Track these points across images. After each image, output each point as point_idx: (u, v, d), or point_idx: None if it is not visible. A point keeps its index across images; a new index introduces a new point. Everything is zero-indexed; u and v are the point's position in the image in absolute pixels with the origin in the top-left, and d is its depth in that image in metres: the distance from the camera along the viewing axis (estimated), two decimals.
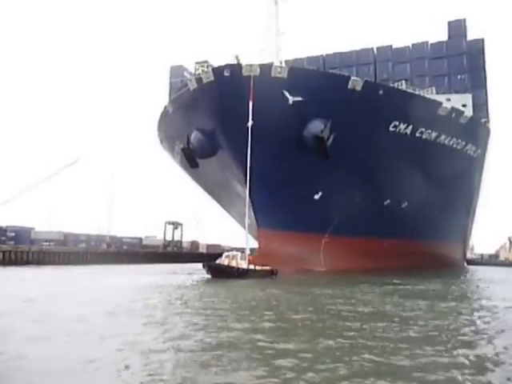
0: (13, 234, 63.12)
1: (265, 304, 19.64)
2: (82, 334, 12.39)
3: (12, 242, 59.12)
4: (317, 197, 44.08)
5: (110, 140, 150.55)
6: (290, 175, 41.19)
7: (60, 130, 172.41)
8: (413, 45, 61.38)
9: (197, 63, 45.82)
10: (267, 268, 36.58)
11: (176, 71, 60.77)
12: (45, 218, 78.11)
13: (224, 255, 36.57)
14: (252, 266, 35.45)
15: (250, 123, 37.99)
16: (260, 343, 11.53)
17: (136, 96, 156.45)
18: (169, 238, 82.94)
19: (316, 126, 39.43)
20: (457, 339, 12.75)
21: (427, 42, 61.13)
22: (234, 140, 39.92)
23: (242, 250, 37.70)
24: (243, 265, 34.99)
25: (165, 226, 79.94)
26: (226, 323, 14.22)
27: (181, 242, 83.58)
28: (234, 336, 12.36)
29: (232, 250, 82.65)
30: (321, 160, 39.99)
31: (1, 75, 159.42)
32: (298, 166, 40.99)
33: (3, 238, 61.41)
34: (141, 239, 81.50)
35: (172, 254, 74.01)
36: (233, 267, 34.39)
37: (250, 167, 38.25)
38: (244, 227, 47.89)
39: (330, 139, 39.58)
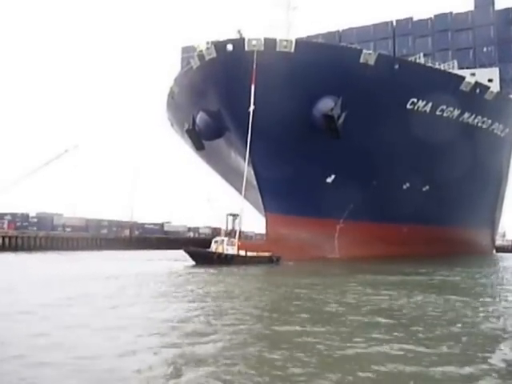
0: (36, 220, 64.10)
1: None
2: None
3: (35, 228, 60.05)
4: (329, 180, 41.82)
5: (126, 126, 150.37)
6: (299, 157, 38.98)
7: (74, 115, 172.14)
8: (435, 16, 57.75)
9: (207, 43, 43.71)
10: (264, 254, 34.65)
11: (187, 52, 58.77)
12: (72, 204, 79.40)
13: (213, 241, 34.93)
14: (242, 252, 33.53)
15: (251, 108, 36.01)
16: None
17: (152, 80, 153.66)
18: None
19: (326, 104, 36.94)
20: None
21: (451, 13, 57.37)
22: (240, 120, 37.88)
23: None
24: (229, 250, 33.07)
25: (226, 218, 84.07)
26: None
27: (240, 231, 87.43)
28: None
29: (256, 235, 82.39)
30: (332, 141, 37.53)
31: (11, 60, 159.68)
32: (308, 148, 38.76)
33: (26, 224, 62.53)
34: (162, 225, 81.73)
35: (190, 240, 73.37)
36: (214, 253, 32.76)
37: (253, 151, 36.66)
38: (260, 212, 46.20)
39: (341, 118, 37.04)
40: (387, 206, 43.87)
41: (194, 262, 33.20)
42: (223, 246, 33.20)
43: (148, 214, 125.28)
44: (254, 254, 34.17)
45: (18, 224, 60.93)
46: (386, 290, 19.02)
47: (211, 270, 27.96)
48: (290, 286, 20.42)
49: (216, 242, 34.32)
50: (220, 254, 32.48)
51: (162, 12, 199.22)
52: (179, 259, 35.62)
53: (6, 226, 57.32)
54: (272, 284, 22.30)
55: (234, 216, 39.16)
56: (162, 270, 29.63)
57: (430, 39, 56.50)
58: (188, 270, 29.35)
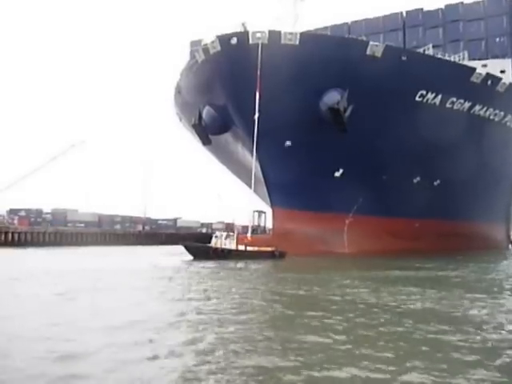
0: (49, 216, 65.86)
1: None
2: None
3: (49, 224, 61.20)
4: (337, 174, 41.33)
5: (138, 121, 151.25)
6: (306, 151, 38.62)
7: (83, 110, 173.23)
8: (446, 6, 56.28)
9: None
10: (266, 249, 34.18)
11: (196, 46, 58.51)
12: (87, 200, 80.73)
13: (214, 236, 35.20)
14: (242, 247, 33.43)
15: (256, 115, 35.83)
16: None
17: (161, 74, 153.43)
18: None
19: (332, 97, 36.52)
20: None
21: (462, 3, 55.93)
22: (246, 114, 37.70)
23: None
24: (227, 245, 33.12)
25: (253, 214, 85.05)
26: None
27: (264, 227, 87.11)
28: None
29: (269, 230, 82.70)
30: (339, 134, 37.07)
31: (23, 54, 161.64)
32: (315, 142, 38.38)
33: (40, 220, 64.07)
34: (175, 220, 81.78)
35: (202, 235, 73.19)
36: (209, 247, 32.98)
37: (259, 146, 36.44)
38: (269, 207, 45.96)
39: (348, 111, 36.59)
40: (398, 201, 43.20)
41: (192, 257, 33.24)
42: (221, 241, 33.11)
43: (161, 210, 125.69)
44: (255, 248, 33.84)
45: (32, 220, 62.20)
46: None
47: (201, 265, 27.86)
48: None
49: (216, 236, 34.50)
50: (216, 249, 32.53)
51: (171, 5, 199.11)
52: (181, 254, 35.63)
53: (16, 221, 58.23)
54: (244, 281, 21.57)
55: (260, 213, 40.08)
56: (151, 265, 29.04)
57: (441, 30, 55.11)
58: (180, 265, 29.33)
